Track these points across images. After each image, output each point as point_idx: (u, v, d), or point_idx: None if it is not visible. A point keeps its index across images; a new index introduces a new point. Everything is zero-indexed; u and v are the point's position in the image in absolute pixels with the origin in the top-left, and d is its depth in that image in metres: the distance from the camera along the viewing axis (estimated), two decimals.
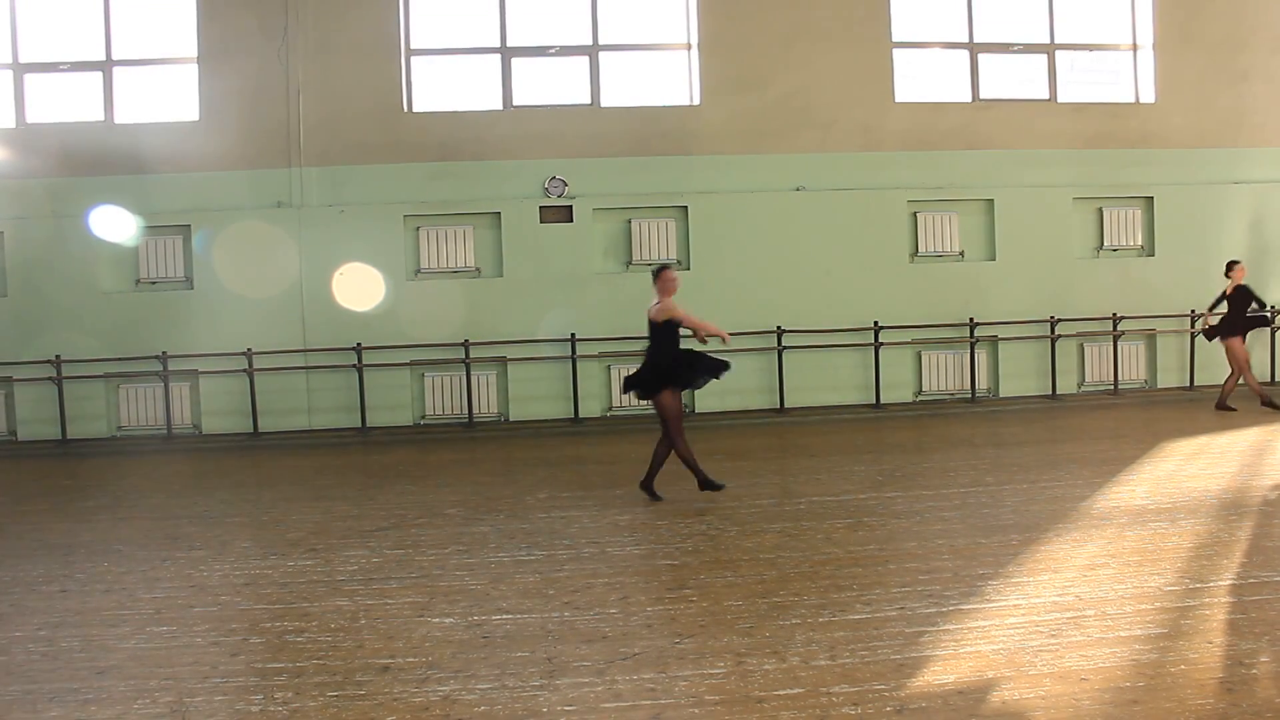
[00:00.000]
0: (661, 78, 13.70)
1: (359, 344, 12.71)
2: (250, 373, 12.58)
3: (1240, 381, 12.10)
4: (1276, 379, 14.09)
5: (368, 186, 12.99)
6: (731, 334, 13.03)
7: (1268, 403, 11.97)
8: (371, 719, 4.18)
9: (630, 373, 8.37)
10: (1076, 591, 5.49)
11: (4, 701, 4.46)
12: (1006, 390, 13.82)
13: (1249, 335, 12.22)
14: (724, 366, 8.14)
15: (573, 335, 12.92)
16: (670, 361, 7.99)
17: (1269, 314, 12.83)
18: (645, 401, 8.21)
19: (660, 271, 8.07)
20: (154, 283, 12.87)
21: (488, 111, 13.36)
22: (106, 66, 12.94)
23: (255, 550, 7.01)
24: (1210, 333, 12.27)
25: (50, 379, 12.47)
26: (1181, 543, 6.39)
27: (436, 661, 4.78)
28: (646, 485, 8.25)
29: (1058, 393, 13.73)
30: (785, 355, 13.28)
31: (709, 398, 13.31)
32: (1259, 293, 12.16)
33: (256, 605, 5.79)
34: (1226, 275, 12.05)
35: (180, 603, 5.86)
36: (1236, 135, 14.12)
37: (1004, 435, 11.10)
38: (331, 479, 9.89)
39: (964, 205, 13.82)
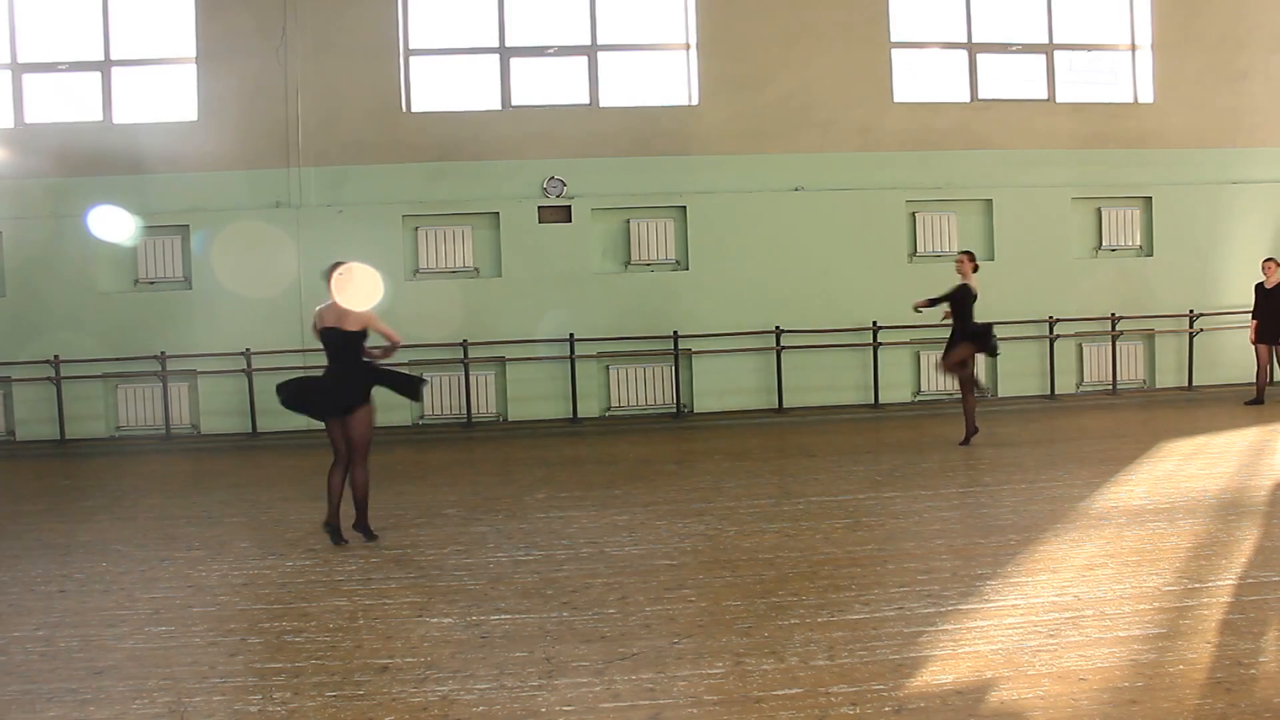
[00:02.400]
0: (660, 78, 13.70)
1: None
2: (249, 373, 12.57)
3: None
4: (1275, 378, 14.09)
5: (366, 186, 12.98)
6: (731, 334, 13.28)
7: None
8: (370, 719, 4.17)
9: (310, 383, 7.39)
10: (1075, 591, 5.49)
11: (2, 701, 4.46)
12: (1005, 390, 13.83)
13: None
14: (422, 382, 7.50)
15: (571, 335, 12.92)
16: (376, 375, 7.13)
17: None
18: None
19: (334, 270, 7.06)
20: (153, 283, 12.86)
21: (486, 111, 13.35)
22: (105, 66, 12.93)
23: (254, 550, 7.00)
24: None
25: (49, 379, 12.46)
26: (1180, 543, 6.39)
27: (435, 661, 4.78)
28: (362, 525, 7.07)
29: (1056, 393, 13.74)
30: (784, 355, 13.28)
31: (707, 398, 13.32)
32: (1249, 295, 12.42)
33: (255, 605, 5.78)
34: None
35: (179, 603, 5.85)
36: (1235, 135, 14.12)
37: (1002, 435, 11.10)
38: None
39: (963, 205, 13.82)
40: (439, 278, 13.10)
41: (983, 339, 10.17)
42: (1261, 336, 12.50)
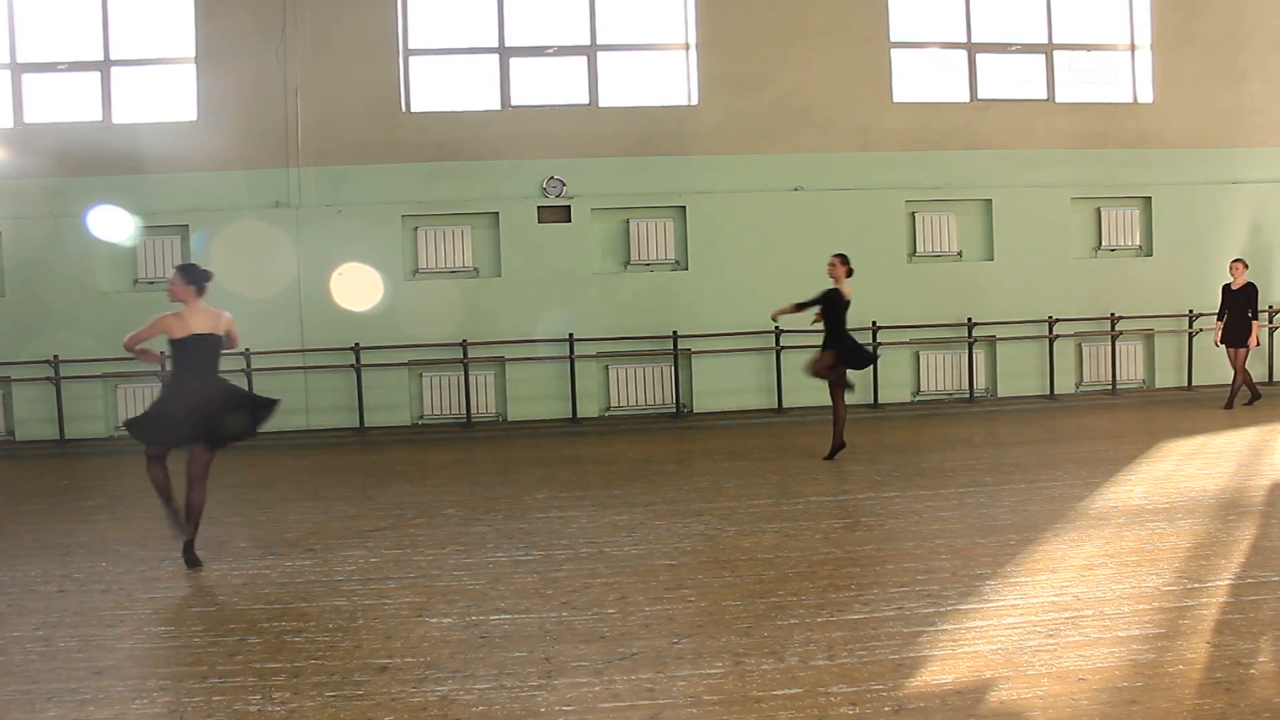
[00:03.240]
0: (659, 78, 13.69)
1: (357, 344, 12.71)
2: (248, 373, 12.56)
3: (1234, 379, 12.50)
4: (1275, 379, 14.10)
5: (366, 186, 12.98)
6: (730, 334, 13.27)
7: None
8: (369, 719, 4.18)
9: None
10: (1074, 591, 5.50)
11: (2, 702, 4.46)
12: (1004, 390, 13.83)
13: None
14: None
15: (571, 335, 12.92)
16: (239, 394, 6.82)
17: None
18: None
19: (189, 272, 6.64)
20: (152, 283, 12.83)
21: (486, 111, 13.35)
22: (104, 66, 12.93)
23: (253, 550, 7.01)
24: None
25: (48, 379, 12.45)
26: (1179, 543, 6.39)
27: (434, 661, 4.78)
28: (189, 555, 6.54)
29: (1055, 393, 13.74)
30: (783, 355, 13.28)
31: (706, 398, 13.31)
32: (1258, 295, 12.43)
33: (254, 605, 5.78)
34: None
35: (178, 603, 5.86)
36: (1235, 135, 14.13)
37: (1002, 435, 11.11)
38: (329, 479, 9.88)
39: (962, 205, 13.83)
40: (438, 278, 13.10)
41: (853, 355, 9.68)
42: (1226, 339, 12.35)
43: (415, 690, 4.44)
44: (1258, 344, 12.48)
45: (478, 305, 13.06)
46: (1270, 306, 14.03)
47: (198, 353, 6.49)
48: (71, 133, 12.76)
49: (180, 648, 5.08)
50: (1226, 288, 12.42)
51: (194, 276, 6.59)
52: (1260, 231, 14.14)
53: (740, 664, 4.61)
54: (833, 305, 9.55)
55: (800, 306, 9.67)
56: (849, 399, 9.92)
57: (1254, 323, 12.23)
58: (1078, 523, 6.98)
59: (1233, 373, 12.47)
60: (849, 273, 9.70)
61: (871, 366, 10.43)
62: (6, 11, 12.84)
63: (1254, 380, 12.66)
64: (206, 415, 6.42)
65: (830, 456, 9.68)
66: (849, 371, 9.75)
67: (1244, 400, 12.50)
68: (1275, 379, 14.11)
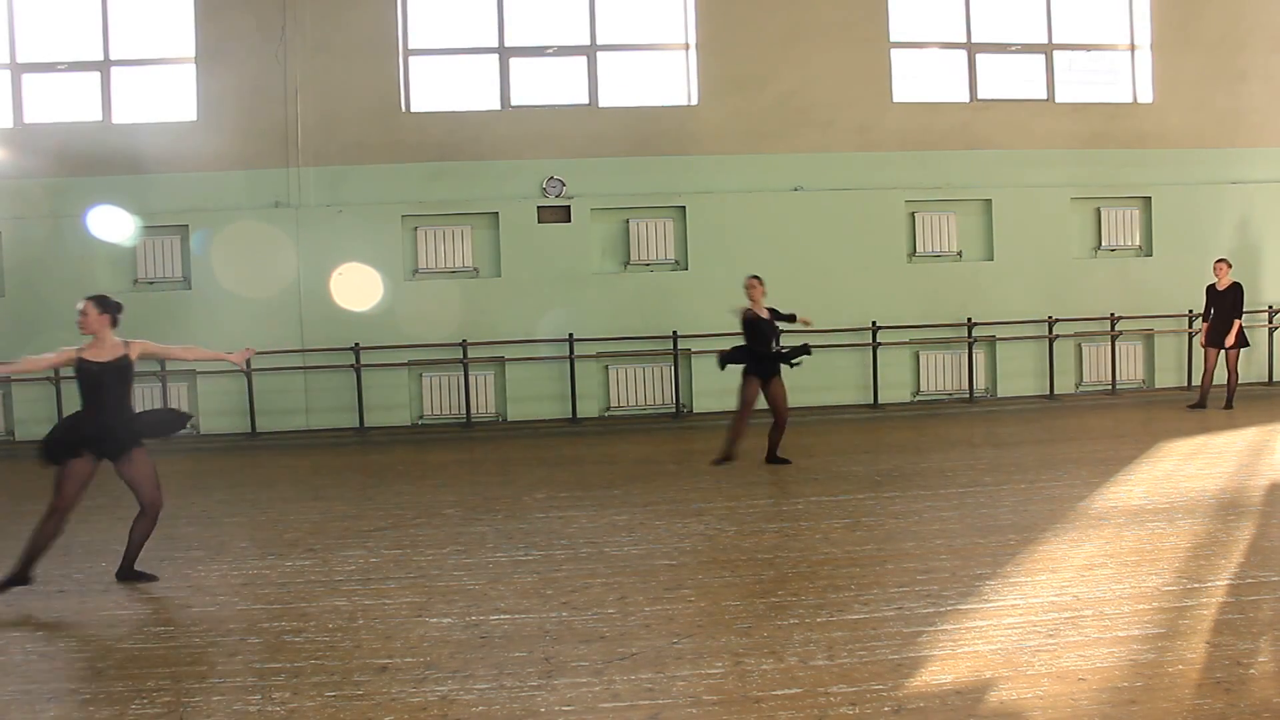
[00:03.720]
0: (659, 78, 13.70)
1: (357, 344, 12.71)
2: (248, 373, 12.56)
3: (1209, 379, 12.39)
4: (1275, 379, 14.10)
5: (366, 186, 12.98)
6: (730, 334, 13.22)
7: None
8: (369, 719, 4.18)
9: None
10: (1074, 591, 5.50)
11: (2, 702, 4.46)
12: (1004, 390, 13.83)
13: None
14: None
15: (570, 335, 12.92)
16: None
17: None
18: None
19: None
20: (152, 283, 12.86)
21: (486, 111, 13.35)
22: (104, 66, 12.92)
23: (253, 550, 7.01)
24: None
25: (48, 379, 12.45)
26: (1179, 543, 6.39)
27: (434, 661, 4.78)
28: (127, 573, 6.36)
29: (1055, 393, 13.74)
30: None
31: (706, 398, 13.31)
32: (1248, 294, 12.39)
33: (254, 605, 5.78)
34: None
35: (178, 603, 5.86)
36: (1234, 135, 14.13)
37: (1002, 435, 11.11)
38: (329, 479, 9.88)
39: (962, 205, 13.83)
40: (438, 278, 13.10)
41: (775, 358, 9.55)
42: (1211, 340, 12.23)
43: (415, 690, 4.44)
44: (1233, 344, 12.17)
45: (477, 305, 13.06)
46: (1270, 306, 14.03)
47: (109, 384, 6.29)
48: (71, 133, 12.76)
49: (180, 648, 5.08)
50: (1211, 288, 12.30)
51: (108, 307, 6.36)
52: (1260, 232, 14.14)
53: (740, 664, 4.61)
54: (748, 327, 9.61)
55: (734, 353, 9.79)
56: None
57: (1236, 321, 12.05)
58: (1078, 523, 6.98)
59: (1203, 373, 12.36)
60: (764, 294, 9.78)
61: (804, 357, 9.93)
62: (6, 11, 12.83)
63: (1211, 387, 12.32)
64: (106, 437, 6.29)
65: (719, 461, 9.52)
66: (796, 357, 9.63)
67: (1209, 402, 12.22)
68: (1275, 379, 14.10)
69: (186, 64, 12.91)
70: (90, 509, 8.61)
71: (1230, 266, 12.25)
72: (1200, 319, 12.61)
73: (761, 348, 9.54)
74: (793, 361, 9.63)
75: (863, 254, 13.50)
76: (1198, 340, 12.84)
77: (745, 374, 9.62)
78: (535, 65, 13.51)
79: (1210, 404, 12.24)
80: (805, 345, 9.80)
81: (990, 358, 13.89)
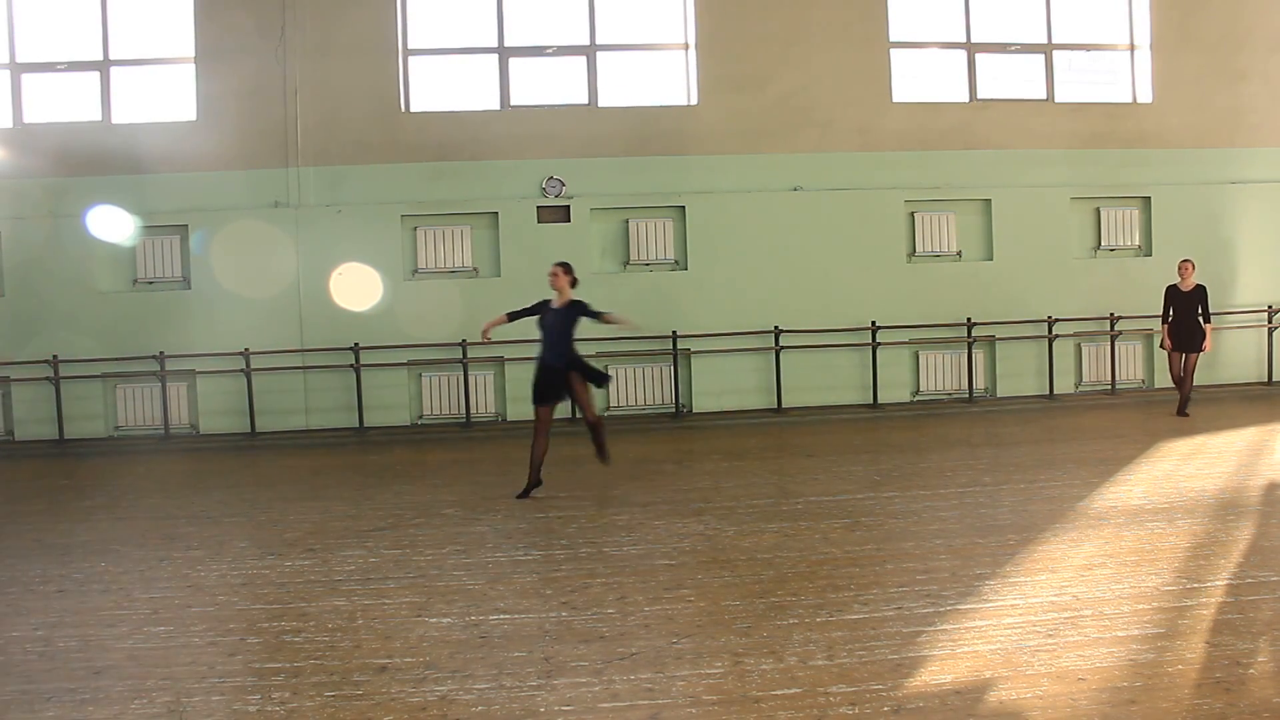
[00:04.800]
0: (659, 78, 13.68)
1: (356, 344, 12.70)
2: (248, 373, 12.57)
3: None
4: (1274, 378, 14.10)
5: (365, 186, 12.97)
6: (730, 334, 13.27)
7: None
8: (369, 719, 4.18)
9: None
10: (1074, 591, 5.50)
11: (2, 701, 4.46)
12: (1004, 390, 13.83)
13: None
14: None
15: None
16: None
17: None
18: None
19: None
20: (151, 282, 12.85)
21: (485, 111, 13.35)
22: (104, 66, 12.92)
23: (252, 550, 7.01)
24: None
25: (47, 379, 12.45)
26: (1179, 542, 6.39)
27: (434, 661, 4.78)
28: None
29: (1055, 393, 13.74)
30: (783, 355, 13.28)
31: (705, 398, 13.32)
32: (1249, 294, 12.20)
33: (254, 605, 5.79)
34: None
35: (177, 603, 5.86)
36: (1234, 135, 14.13)
37: (1001, 435, 11.11)
38: (329, 479, 9.88)
39: (961, 205, 13.82)
40: (438, 278, 13.09)
41: (589, 372, 8.69)
42: (1178, 344, 11.65)
43: (415, 690, 4.44)
44: (1210, 348, 11.86)
45: (477, 305, 13.01)
46: (1270, 307, 14.03)
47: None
48: (71, 133, 12.76)
49: (179, 648, 5.08)
50: (1174, 289, 11.76)
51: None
52: (1259, 232, 14.13)
53: (739, 664, 4.62)
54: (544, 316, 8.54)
55: (513, 316, 8.86)
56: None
57: (1207, 326, 11.64)
58: (1077, 523, 6.98)
59: (1171, 376, 11.89)
60: (573, 282, 8.77)
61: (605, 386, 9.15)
62: (6, 11, 12.82)
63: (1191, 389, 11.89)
64: None
65: (523, 494, 8.36)
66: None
67: (1174, 410, 11.83)
68: (1275, 379, 14.10)
69: (186, 64, 12.90)
70: (90, 509, 8.63)
71: (1194, 267, 11.78)
72: (1161, 321, 11.92)
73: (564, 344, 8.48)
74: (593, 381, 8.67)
75: (862, 254, 13.50)
76: (1159, 344, 12.18)
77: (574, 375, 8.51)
78: (535, 65, 13.50)
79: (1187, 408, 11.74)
80: (604, 374, 8.85)
81: (990, 358, 13.89)
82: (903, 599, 5.46)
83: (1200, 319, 11.58)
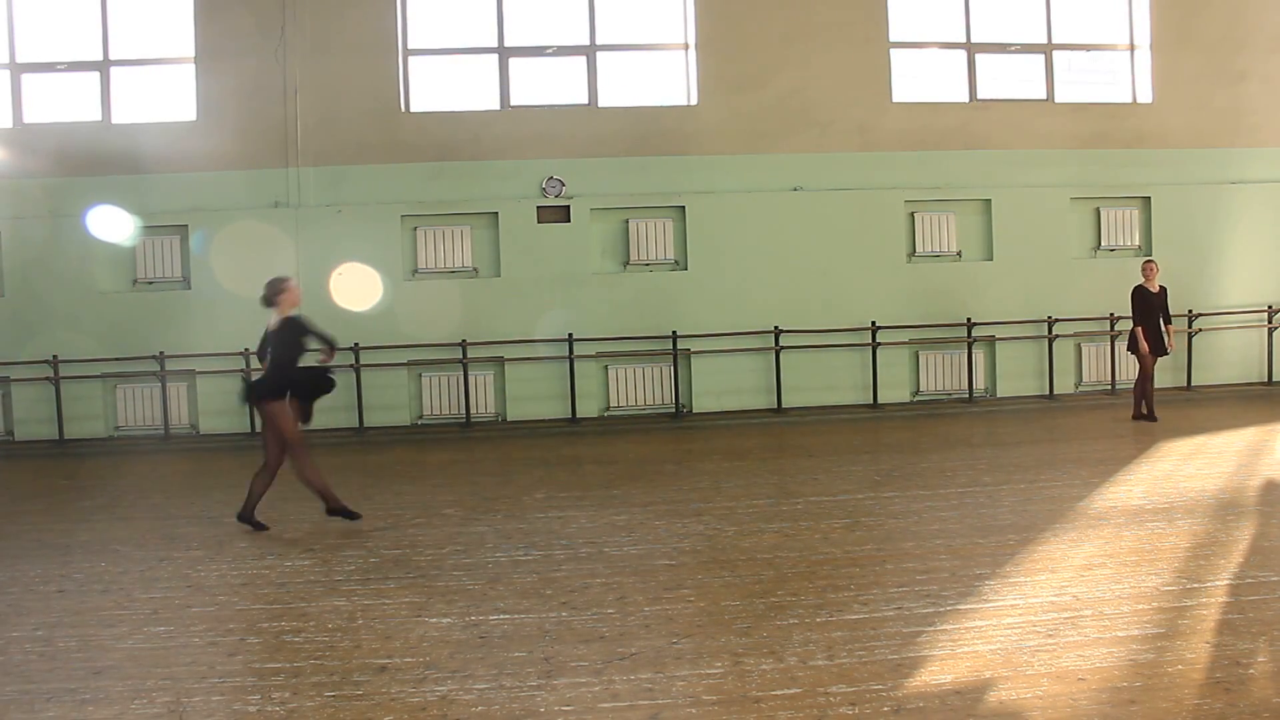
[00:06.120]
0: (659, 78, 13.69)
1: (356, 344, 12.70)
2: (247, 373, 12.55)
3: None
4: (1274, 378, 14.11)
5: (365, 186, 12.97)
6: (729, 334, 13.27)
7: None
8: (369, 719, 4.18)
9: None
10: (1074, 591, 5.50)
11: (2, 701, 4.46)
12: (1004, 390, 13.83)
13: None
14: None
15: (570, 335, 12.91)
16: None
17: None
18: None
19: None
20: (151, 283, 12.86)
21: (485, 111, 13.35)
22: (104, 66, 12.92)
23: (253, 550, 7.01)
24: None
25: (47, 379, 12.45)
26: (1178, 542, 6.39)
27: (434, 661, 4.78)
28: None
29: (1055, 393, 13.74)
30: (783, 355, 13.28)
31: (705, 398, 13.33)
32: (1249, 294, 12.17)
33: (254, 605, 5.79)
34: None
35: (178, 603, 5.85)
36: (1234, 135, 14.13)
37: (1001, 435, 11.11)
38: (328, 479, 9.85)
39: (961, 205, 13.82)
40: (438, 278, 13.09)
41: (301, 387, 7.81)
42: (1154, 348, 11.34)
43: (415, 690, 4.44)
44: (1174, 348, 11.74)
45: (477, 305, 13.06)
46: (1270, 307, 14.03)
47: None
48: (71, 133, 12.76)
49: (179, 648, 5.07)
50: (1143, 290, 11.45)
51: None
52: (1259, 232, 14.13)
53: (739, 664, 4.62)
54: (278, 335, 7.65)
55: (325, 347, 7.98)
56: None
57: (1169, 327, 11.53)
58: (1077, 523, 6.98)
59: (1138, 379, 11.58)
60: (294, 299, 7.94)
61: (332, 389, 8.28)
62: (6, 11, 12.82)
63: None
64: None
65: (247, 522, 7.51)
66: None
67: (1133, 415, 11.60)
68: (1275, 379, 14.09)
69: (186, 64, 12.90)
70: (90, 509, 8.63)
71: (1158, 269, 11.64)
72: (1132, 324, 11.53)
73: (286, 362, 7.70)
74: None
75: (862, 254, 13.50)
76: (1127, 347, 11.86)
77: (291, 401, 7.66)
78: (535, 65, 13.50)
79: (1142, 411, 11.50)
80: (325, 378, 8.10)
81: (990, 358, 13.89)
82: (903, 599, 5.46)
83: (1162, 320, 11.44)
